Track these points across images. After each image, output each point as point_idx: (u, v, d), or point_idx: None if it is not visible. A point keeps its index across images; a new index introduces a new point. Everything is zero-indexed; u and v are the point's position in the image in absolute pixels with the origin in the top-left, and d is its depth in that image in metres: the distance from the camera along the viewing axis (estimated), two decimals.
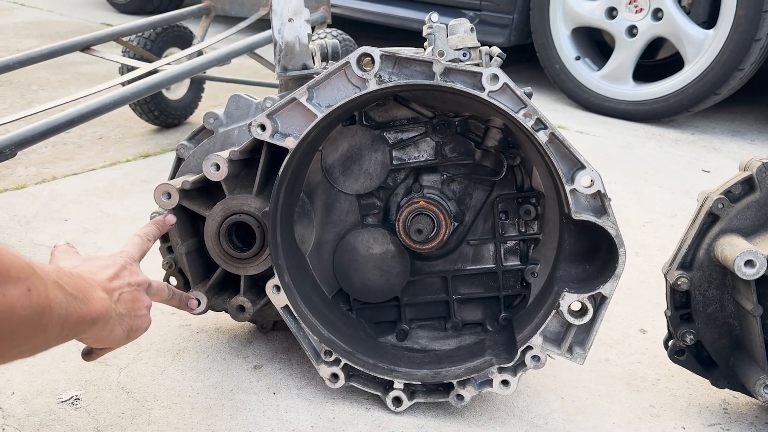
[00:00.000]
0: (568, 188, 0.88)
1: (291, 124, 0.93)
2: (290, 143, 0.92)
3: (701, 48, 2.27)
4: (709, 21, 2.30)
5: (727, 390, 1.02)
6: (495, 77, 0.88)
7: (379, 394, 0.99)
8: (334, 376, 0.98)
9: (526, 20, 2.68)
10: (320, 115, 0.91)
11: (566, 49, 2.58)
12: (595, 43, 2.69)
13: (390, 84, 0.90)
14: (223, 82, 2.21)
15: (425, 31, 1.09)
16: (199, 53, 2.12)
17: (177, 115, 2.20)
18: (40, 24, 3.88)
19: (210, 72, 2.16)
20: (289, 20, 1.03)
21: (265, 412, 0.97)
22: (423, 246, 1.02)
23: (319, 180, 1.07)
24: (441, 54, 1.07)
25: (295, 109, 0.92)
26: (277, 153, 0.95)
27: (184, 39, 2.20)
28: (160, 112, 2.13)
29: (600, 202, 0.89)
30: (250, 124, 0.93)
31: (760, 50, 2.20)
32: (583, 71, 2.55)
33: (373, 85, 0.89)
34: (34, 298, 0.56)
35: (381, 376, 0.98)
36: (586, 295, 0.90)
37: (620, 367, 1.11)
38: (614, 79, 2.47)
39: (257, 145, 0.96)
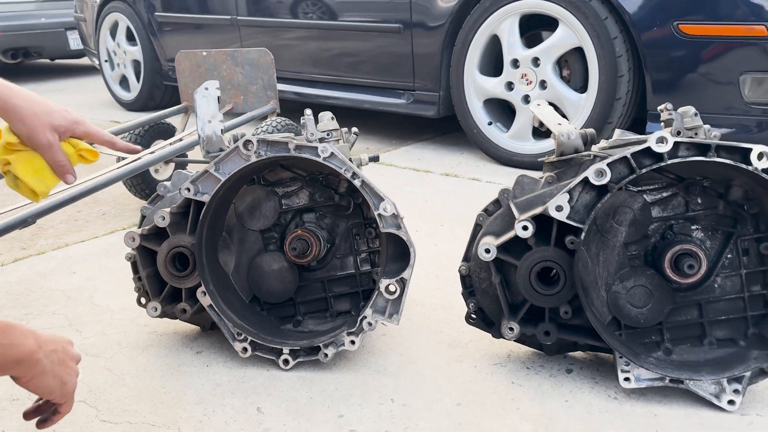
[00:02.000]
0: (376, 213, 1.40)
1: (206, 187, 1.47)
2: (206, 198, 1.46)
3: (578, 108, 2.82)
4: (583, 86, 2.86)
5: (513, 343, 1.50)
6: (326, 149, 1.42)
7: (274, 358, 1.48)
8: (244, 349, 1.49)
9: (449, 96, 3.27)
10: (223, 179, 1.45)
11: (480, 116, 3.15)
12: (508, 108, 3.26)
13: (264, 157, 1.44)
14: (199, 163, 2.79)
15: (302, 121, 1.65)
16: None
17: None
18: None
19: (190, 155, 2.75)
20: (209, 121, 1.59)
21: (199, 376, 1.47)
22: (301, 260, 1.54)
23: (234, 222, 1.61)
24: (312, 135, 1.62)
25: (209, 177, 1.47)
26: (201, 206, 1.49)
27: (167, 132, 2.80)
28: (150, 190, 2.70)
29: (397, 220, 1.41)
30: (180, 188, 1.47)
31: (623, 106, 2.75)
32: (495, 133, 3.12)
33: (254, 158, 1.44)
34: None
35: (275, 346, 1.48)
36: (394, 279, 1.41)
37: (448, 335, 1.60)
38: (518, 138, 3.03)
39: (188, 203, 1.50)
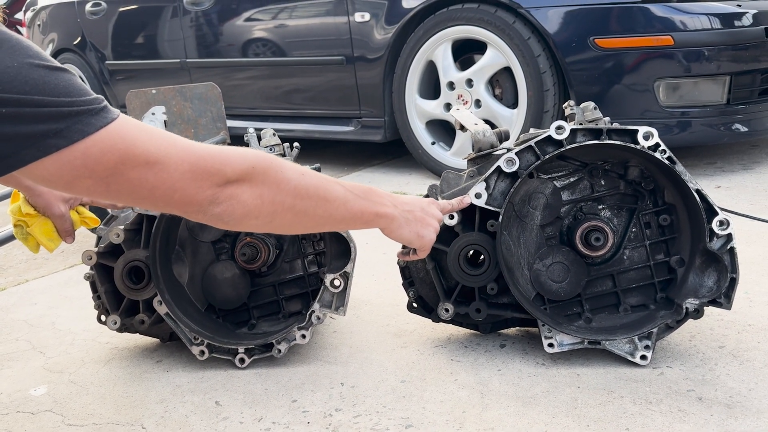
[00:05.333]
0: None
1: None
2: (156, 213, 1.57)
3: (511, 123, 3.02)
4: (514, 103, 3.07)
5: (454, 328, 1.63)
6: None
7: (230, 358, 1.58)
8: (202, 352, 1.58)
9: (394, 120, 3.44)
10: None
11: (424, 137, 3.33)
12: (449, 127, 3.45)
13: None
14: None
15: (245, 138, 1.78)
16: None
17: None
18: None
19: None
20: None
21: (160, 380, 1.56)
22: (252, 266, 1.65)
23: (187, 236, 1.72)
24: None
25: None
26: (153, 220, 1.59)
27: None
28: None
29: None
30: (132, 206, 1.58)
31: (552, 118, 2.96)
32: (438, 152, 3.30)
33: None
34: (306, 179, 0.89)
35: (231, 347, 1.57)
36: (338, 274, 1.53)
37: (395, 327, 1.72)
38: (460, 155, 3.20)
39: (141, 219, 1.61)
